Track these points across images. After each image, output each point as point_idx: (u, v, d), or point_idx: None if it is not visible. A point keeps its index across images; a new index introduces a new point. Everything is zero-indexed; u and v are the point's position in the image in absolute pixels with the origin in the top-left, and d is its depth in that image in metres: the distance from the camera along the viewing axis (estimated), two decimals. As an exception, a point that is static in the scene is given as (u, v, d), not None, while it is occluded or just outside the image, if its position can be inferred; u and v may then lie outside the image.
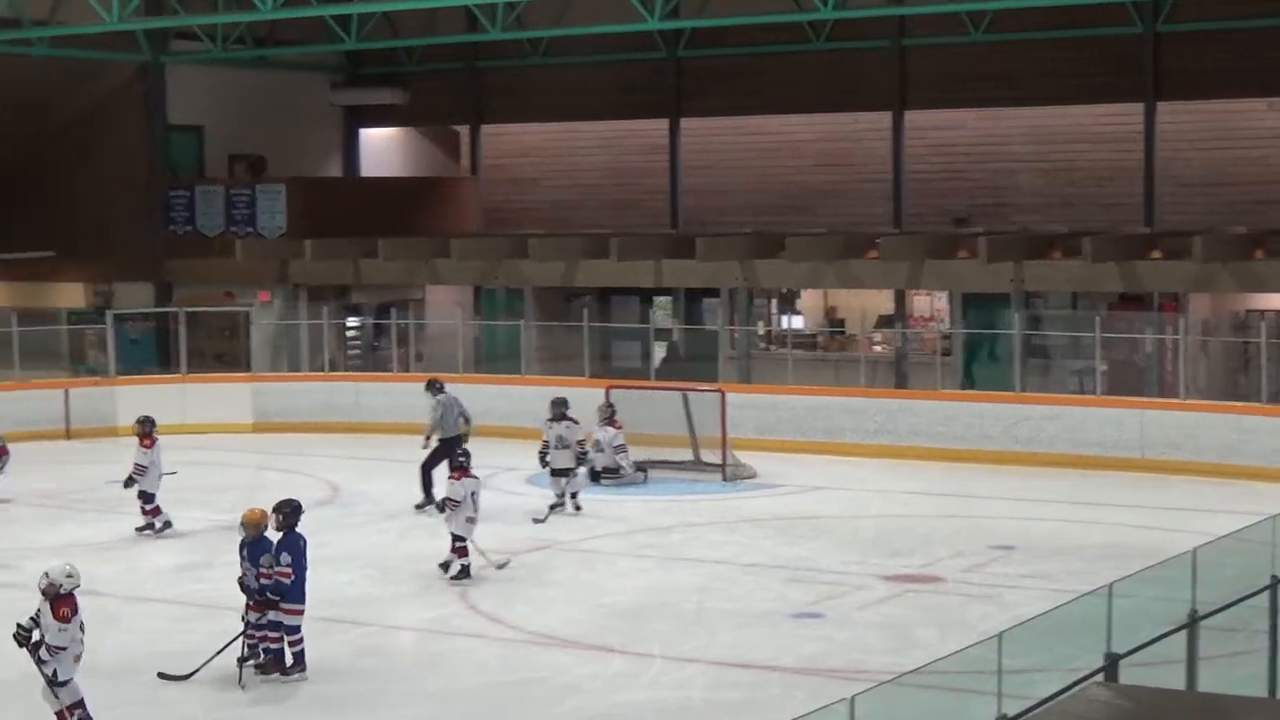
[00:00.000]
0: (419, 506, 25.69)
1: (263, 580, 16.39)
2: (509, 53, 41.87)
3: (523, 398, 32.61)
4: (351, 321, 39.72)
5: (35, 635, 14.58)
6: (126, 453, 31.40)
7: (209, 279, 39.25)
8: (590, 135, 43.01)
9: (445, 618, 19.10)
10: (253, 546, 16.57)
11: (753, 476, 28.15)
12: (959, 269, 33.70)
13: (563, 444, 25.33)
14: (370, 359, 39.06)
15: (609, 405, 28.14)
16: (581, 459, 25.66)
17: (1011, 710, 10.50)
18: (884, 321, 36.74)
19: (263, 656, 16.51)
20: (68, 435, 33.36)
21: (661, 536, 23.71)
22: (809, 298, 38.65)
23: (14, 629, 14.66)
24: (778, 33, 38.42)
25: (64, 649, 14.47)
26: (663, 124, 41.41)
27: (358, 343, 39.92)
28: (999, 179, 38.24)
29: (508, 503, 26.07)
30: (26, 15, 34.49)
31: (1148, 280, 32.33)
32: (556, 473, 25.34)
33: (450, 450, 24.66)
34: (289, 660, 16.46)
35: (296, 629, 16.43)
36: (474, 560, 21.00)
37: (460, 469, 21.57)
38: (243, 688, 16.13)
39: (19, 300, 39.79)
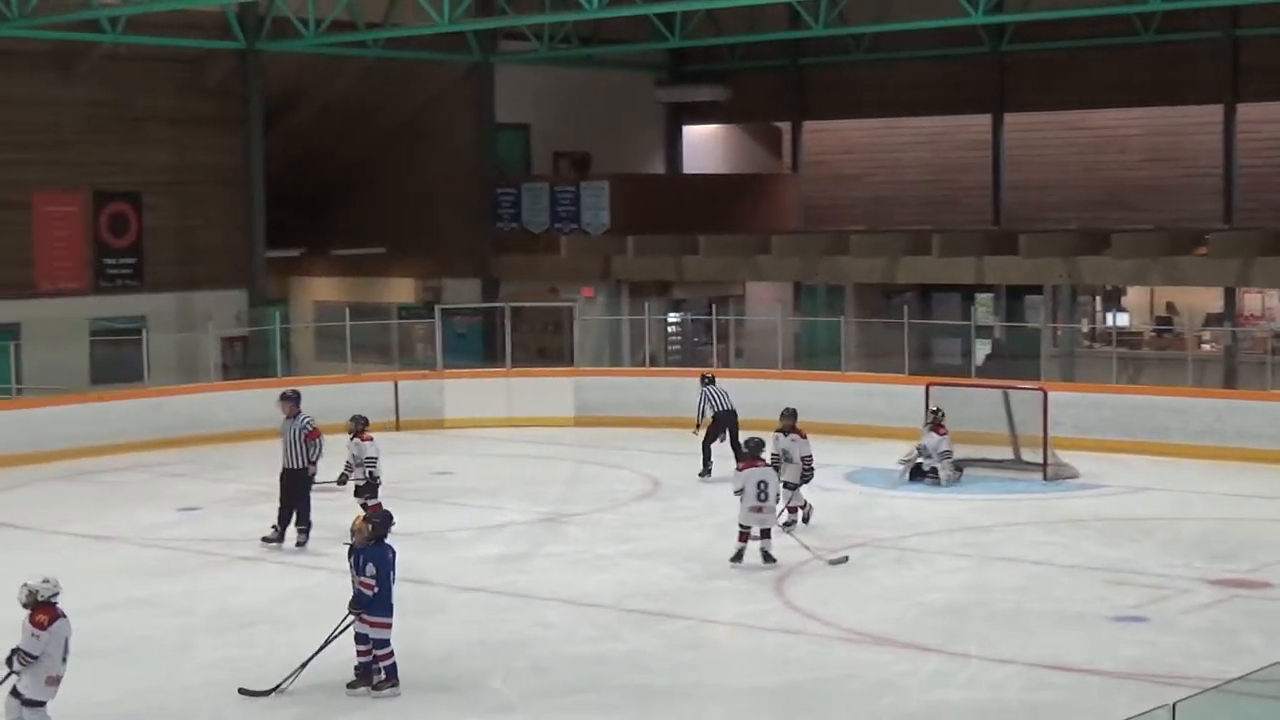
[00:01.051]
0: (701, 475, 27.97)
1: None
2: (831, 49, 41.87)
3: (842, 394, 32.59)
4: (672, 317, 40.10)
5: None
6: (455, 444, 32.46)
7: (534, 275, 39.98)
8: (912, 131, 42.81)
9: (762, 613, 19.16)
10: (358, 555, 16.24)
11: (1074, 476, 27.69)
12: (1293, 266, 32.80)
13: (788, 458, 23.65)
14: (691, 354, 39.37)
15: (935, 410, 27.82)
16: (807, 475, 23.92)
17: (1340, 721, 10.25)
18: (1213, 319, 35.88)
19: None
20: (397, 427, 34.14)
21: (980, 535, 23.49)
22: (1135, 295, 37.95)
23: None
24: (1104, 25, 37.77)
25: (35, 658, 13.45)
26: (985, 119, 41.05)
27: (678, 339, 40.29)
28: (1337, 173, 37.16)
29: (826, 499, 26.05)
30: (362, 18, 35.50)
31: None
32: (787, 485, 23.40)
33: (722, 425, 27.95)
34: (382, 675, 16.00)
35: (385, 643, 15.98)
36: (792, 553, 21.22)
37: (748, 459, 21.76)
38: (280, 691, 15.79)
39: (352, 295, 41.07)
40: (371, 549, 16.00)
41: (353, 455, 23.64)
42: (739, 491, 21.43)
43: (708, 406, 28.41)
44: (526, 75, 41.36)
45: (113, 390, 33.20)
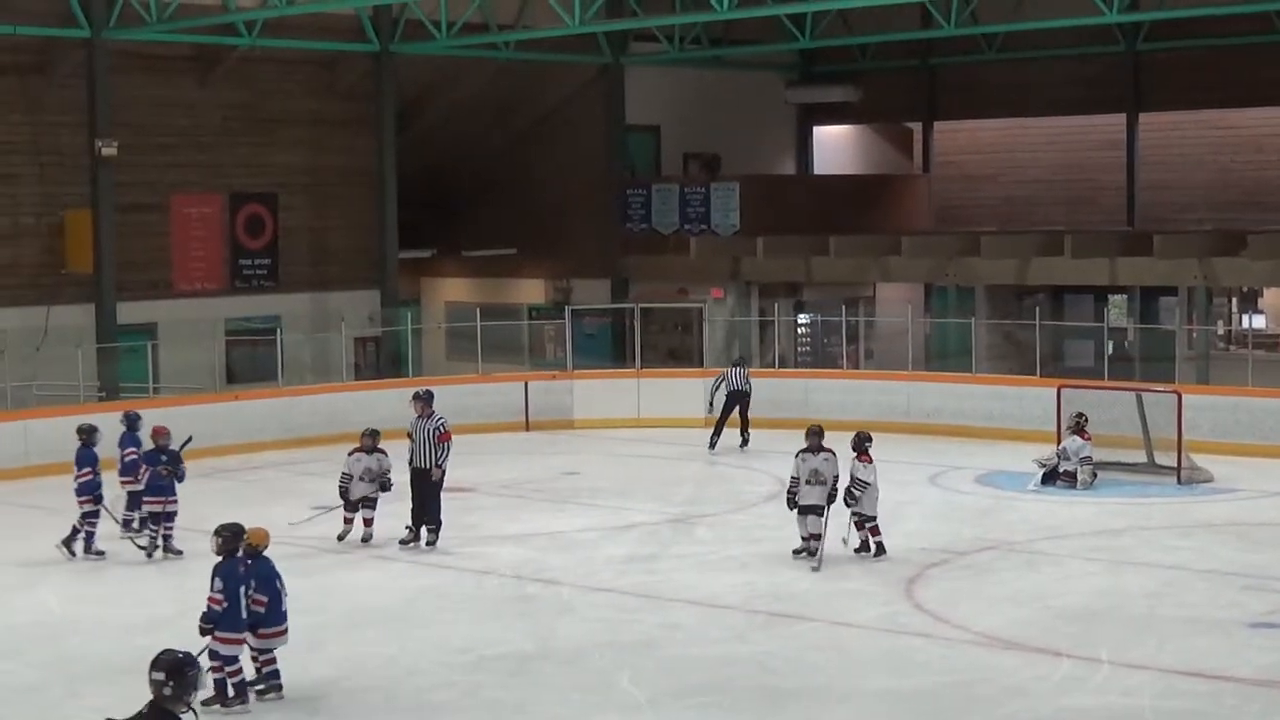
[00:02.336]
0: (710, 449, 31.25)
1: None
2: (963, 49, 41.63)
3: (973, 396, 32.41)
4: (802, 319, 40.03)
5: None
6: (585, 444, 32.56)
7: (663, 276, 40.02)
8: (1045, 131, 42.49)
9: (891, 615, 19.08)
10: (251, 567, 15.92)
11: (1209, 480, 27.34)
12: None
13: (818, 479, 21.48)
14: (820, 356, 39.27)
15: (1079, 415, 27.57)
16: (832, 497, 21.45)
17: None
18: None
19: (266, 682, 15.99)
20: (527, 427, 34.36)
21: (1112, 539, 23.26)
22: (1271, 296, 37.43)
23: None
24: (1240, 23, 37.28)
25: None
26: (1119, 119, 40.65)
27: (808, 340, 40.20)
28: None
29: (956, 501, 25.96)
30: (494, 20, 35.71)
31: None
32: (805, 510, 21.55)
33: (733, 404, 31.34)
34: (231, 692, 15.58)
35: (234, 659, 15.60)
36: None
37: (868, 452, 21.81)
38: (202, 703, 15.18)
39: (483, 296, 41.32)
40: (220, 564, 15.66)
41: (368, 468, 23.25)
42: (865, 484, 21.63)
43: (724, 384, 31.41)
44: (657, 77, 41.44)
45: (247, 390, 33.60)
